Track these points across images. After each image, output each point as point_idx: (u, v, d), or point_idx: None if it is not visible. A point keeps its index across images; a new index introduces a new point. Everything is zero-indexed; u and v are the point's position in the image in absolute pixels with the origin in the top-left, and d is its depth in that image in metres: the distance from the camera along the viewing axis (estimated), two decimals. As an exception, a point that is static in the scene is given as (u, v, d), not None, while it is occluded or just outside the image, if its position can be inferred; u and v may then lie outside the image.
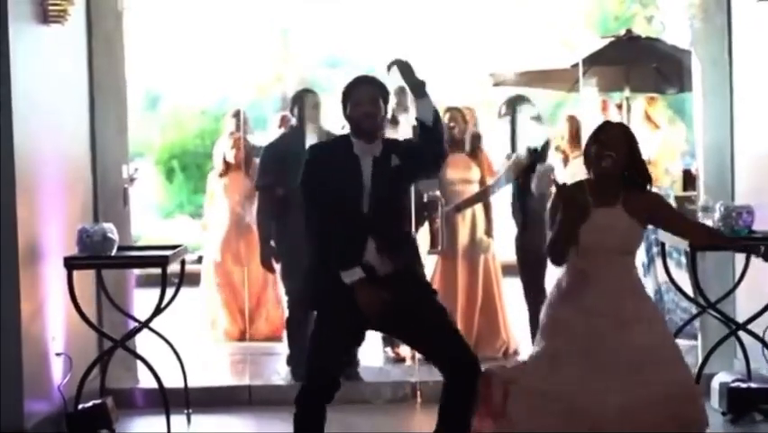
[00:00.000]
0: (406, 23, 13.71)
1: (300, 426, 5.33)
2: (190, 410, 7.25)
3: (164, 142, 17.34)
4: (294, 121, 8.22)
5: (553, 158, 8.93)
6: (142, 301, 7.60)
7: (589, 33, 15.00)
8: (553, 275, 8.65)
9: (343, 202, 5.35)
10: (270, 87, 15.68)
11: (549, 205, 5.55)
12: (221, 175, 9.86)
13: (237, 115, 10.04)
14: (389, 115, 5.96)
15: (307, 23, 14.96)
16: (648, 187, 5.40)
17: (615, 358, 5.16)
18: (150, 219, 15.18)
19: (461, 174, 8.77)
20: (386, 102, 5.54)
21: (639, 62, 10.50)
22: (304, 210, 5.49)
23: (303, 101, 8.17)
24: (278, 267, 8.22)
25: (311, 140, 7.83)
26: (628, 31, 10.87)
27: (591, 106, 10.76)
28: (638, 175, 5.37)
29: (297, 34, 15.37)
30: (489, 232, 8.96)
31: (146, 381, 7.68)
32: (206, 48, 15.76)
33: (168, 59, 14.63)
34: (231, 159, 9.74)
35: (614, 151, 5.27)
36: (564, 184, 5.39)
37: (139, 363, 7.65)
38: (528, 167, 8.52)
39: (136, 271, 8.19)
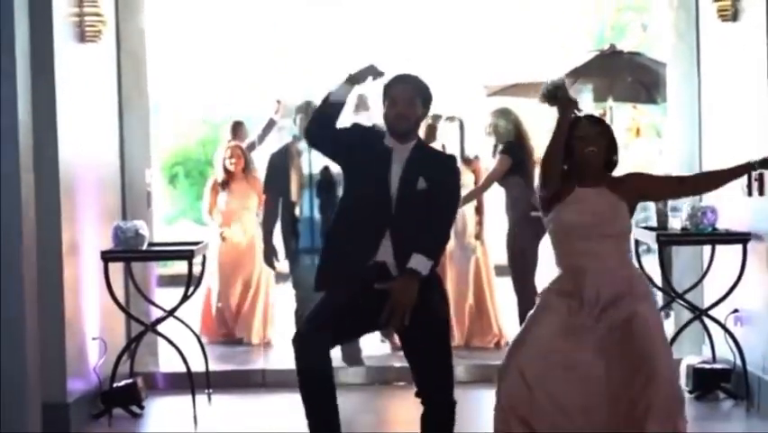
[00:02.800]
0: (405, 36, 14.35)
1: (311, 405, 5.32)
2: (211, 390, 7.98)
3: (167, 150, 17.85)
4: (296, 131, 8.95)
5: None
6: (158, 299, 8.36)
7: (585, 42, 15.44)
8: (544, 271, 9.42)
9: (371, 183, 5.28)
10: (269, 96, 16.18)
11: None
12: (222, 182, 10.05)
13: (238, 125, 10.69)
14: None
15: (306, 35, 15.46)
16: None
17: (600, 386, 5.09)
18: (154, 224, 15.75)
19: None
20: (426, 103, 5.41)
21: (621, 75, 11.13)
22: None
23: (306, 112, 8.90)
24: (278, 265, 9.00)
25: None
26: (612, 45, 11.63)
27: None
28: (614, 159, 5.34)
29: (295, 46, 15.85)
30: (479, 236, 9.64)
31: (167, 365, 8.52)
32: (207, 56, 16.35)
33: (167, 67, 15.06)
34: (231, 167, 9.97)
35: (595, 145, 5.24)
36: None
37: (160, 349, 8.51)
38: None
39: (157, 272, 8.95)
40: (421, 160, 5.36)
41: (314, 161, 9.09)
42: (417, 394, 5.43)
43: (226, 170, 10.00)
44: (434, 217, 5.30)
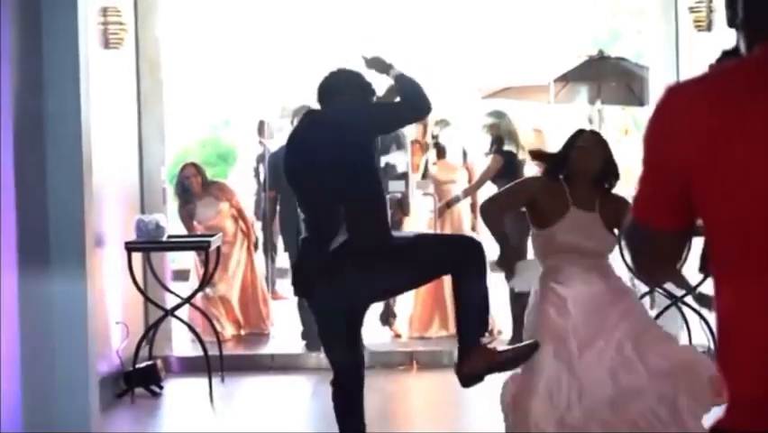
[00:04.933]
0: (402, 40, 14.80)
1: (337, 405, 5.47)
2: (223, 373, 8.55)
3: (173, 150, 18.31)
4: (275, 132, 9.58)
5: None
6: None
7: (580, 46, 15.84)
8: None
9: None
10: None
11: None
12: (186, 203, 9.94)
13: (262, 124, 11.21)
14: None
15: (304, 38, 15.90)
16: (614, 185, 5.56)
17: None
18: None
19: (450, 176, 10.15)
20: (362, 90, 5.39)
21: (608, 78, 11.66)
22: None
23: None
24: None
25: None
26: (600, 51, 12.19)
27: (567, 117, 12.10)
28: (611, 176, 5.52)
29: (293, 49, 16.26)
30: (474, 227, 10.25)
31: (180, 350, 9.14)
32: (212, 61, 16.84)
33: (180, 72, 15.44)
34: (190, 187, 9.82)
35: (592, 155, 5.44)
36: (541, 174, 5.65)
37: (174, 335, 9.12)
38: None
39: (170, 267, 9.54)
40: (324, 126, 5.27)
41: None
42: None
43: (186, 190, 9.89)
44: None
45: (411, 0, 14.01)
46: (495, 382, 8.14)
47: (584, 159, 5.46)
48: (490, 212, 5.59)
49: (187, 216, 9.92)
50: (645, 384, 5.07)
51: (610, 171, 5.54)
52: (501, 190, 5.86)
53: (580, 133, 5.63)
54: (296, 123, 9.40)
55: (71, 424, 6.03)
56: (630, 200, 2.33)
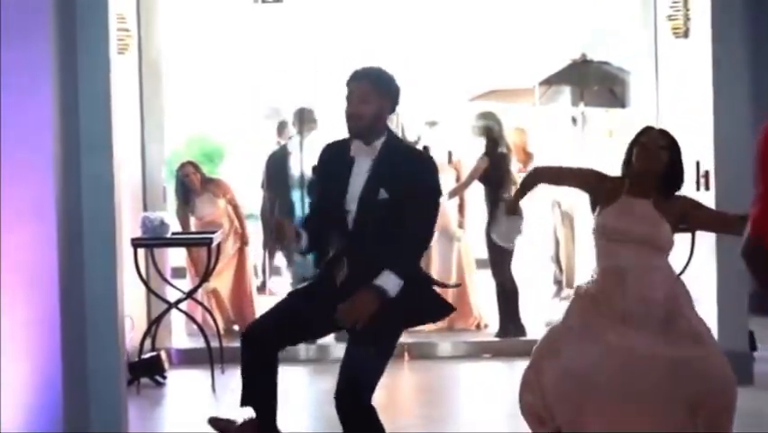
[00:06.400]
0: (392, 44, 15.09)
1: (244, 369, 5.12)
2: (223, 364, 8.90)
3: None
4: (294, 133, 9.94)
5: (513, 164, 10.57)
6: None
7: (564, 49, 16.10)
8: (520, 259, 10.40)
9: (327, 203, 5.06)
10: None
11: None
12: (186, 201, 10.26)
13: (283, 125, 11.51)
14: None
15: (298, 42, 16.16)
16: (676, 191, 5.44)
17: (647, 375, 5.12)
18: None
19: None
20: (387, 95, 4.97)
21: (590, 82, 11.82)
22: None
23: (301, 117, 9.87)
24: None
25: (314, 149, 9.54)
26: (583, 54, 12.53)
27: (552, 119, 12.47)
28: (675, 178, 5.39)
29: (289, 53, 16.53)
30: (461, 225, 10.63)
31: (179, 342, 9.54)
32: (210, 66, 17.12)
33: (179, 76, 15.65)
34: (189, 184, 10.16)
35: (655, 153, 5.30)
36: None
37: (174, 328, 9.51)
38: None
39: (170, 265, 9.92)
40: (390, 160, 4.97)
41: (305, 161, 10.16)
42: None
43: (186, 188, 10.21)
44: (405, 227, 4.91)
45: (401, 5, 14.30)
46: (488, 376, 8.62)
47: (646, 156, 5.33)
48: (539, 173, 5.71)
49: (186, 212, 10.21)
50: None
51: (675, 174, 5.39)
52: (573, 168, 5.83)
53: (647, 130, 5.50)
54: (298, 125, 9.98)
55: (104, 407, 6.42)
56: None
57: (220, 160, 19.33)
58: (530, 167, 11.42)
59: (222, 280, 10.24)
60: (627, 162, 5.45)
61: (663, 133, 5.46)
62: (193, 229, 10.03)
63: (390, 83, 5.02)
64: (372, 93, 4.92)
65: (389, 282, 4.83)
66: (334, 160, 5.04)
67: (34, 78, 5.80)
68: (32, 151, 5.81)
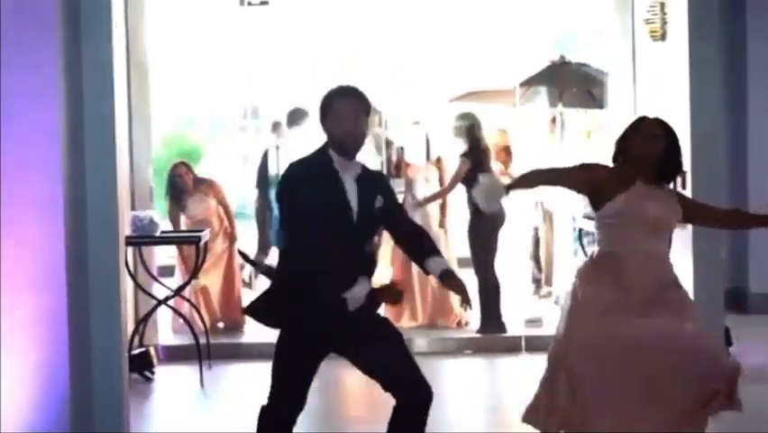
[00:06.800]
0: (374, 46, 15.25)
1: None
2: (210, 360, 9.09)
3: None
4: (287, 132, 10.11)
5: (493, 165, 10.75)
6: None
7: (540, 51, 16.26)
8: (504, 255, 10.58)
9: (329, 221, 4.84)
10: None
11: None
12: (178, 201, 10.38)
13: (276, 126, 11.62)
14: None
15: (282, 45, 16.27)
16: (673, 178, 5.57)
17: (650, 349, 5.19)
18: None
19: (422, 174, 10.74)
20: (367, 115, 5.02)
21: (569, 83, 12.00)
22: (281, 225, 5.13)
23: (290, 117, 10.02)
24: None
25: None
26: (561, 56, 12.71)
27: (531, 120, 12.66)
28: (674, 164, 5.45)
29: (275, 55, 16.64)
30: (442, 224, 10.81)
31: (165, 339, 9.73)
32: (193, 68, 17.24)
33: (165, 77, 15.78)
34: (182, 185, 10.30)
35: (653, 141, 5.35)
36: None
37: (160, 325, 9.66)
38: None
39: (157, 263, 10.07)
40: (368, 176, 5.07)
41: (281, 161, 10.33)
42: (398, 394, 5.05)
43: (179, 188, 10.35)
44: (412, 224, 5.24)
45: (383, 9, 14.46)
46: (469, 372, 8.78)
47: (644, 145, 5.38)
48: (537, 174, 5.67)
49: (177, 211, 10.31)
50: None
51: (673, 162, 5.47)
52: (563, 168, 5.86)
53: (642, 120, 5.55)
54: (293, 126, 10.13)
55: (107, 398, 6.60)
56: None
57: (198, 159, 19.46)
58: (511, 168, 11.66)
59: (210, 278, 10.37)
60: (619, 153, 5.50)
61: (660, 122, 5.53)
62: (183, 227, 10.18)
63: (370, 104, 5.08)
64: (363, 111, 4.97)
65: (444, 263, 5.08)
66: (318, 178, 4.92)
67: (42, 80, 6.02)
68: (42, 150, 6.00)
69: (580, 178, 5.51)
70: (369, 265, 5.10)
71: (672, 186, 5.76)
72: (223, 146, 17.58)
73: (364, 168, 5.09)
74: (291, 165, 5.02)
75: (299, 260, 4.91)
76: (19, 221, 5.94)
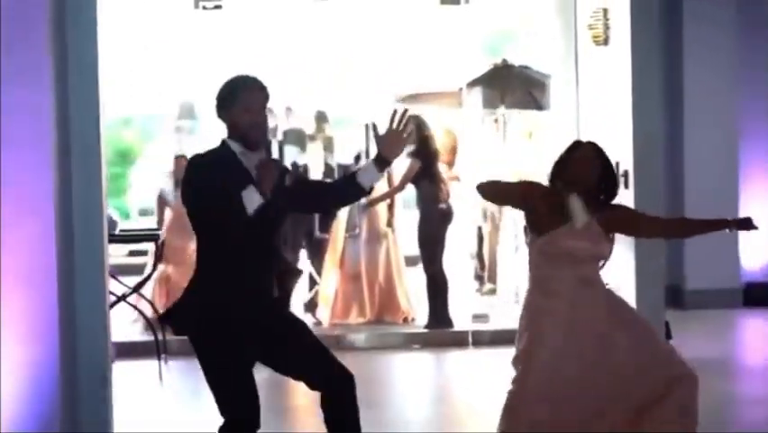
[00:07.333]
0: (320, 47, 15.42)
1: None
2: (167, 355, 9.27)
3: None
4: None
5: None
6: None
7: (480, 53, 16.49)
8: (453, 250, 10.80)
9: (242, 216, 4.63)
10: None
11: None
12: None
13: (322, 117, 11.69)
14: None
15: (224, 43, 16.37)
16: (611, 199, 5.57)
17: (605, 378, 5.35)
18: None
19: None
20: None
21: (512, 85, 12.34)
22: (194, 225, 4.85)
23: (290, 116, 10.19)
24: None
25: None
26: (504, 60, 12.99)
27: (475, 121, 12.94)
28: (610, 188, 5.54)
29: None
30: (390, 223, 11.07)
31: (118, 336, 9.84)
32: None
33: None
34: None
35: (589, 167, 5.43)
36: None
37: (112, 322, 9.79)
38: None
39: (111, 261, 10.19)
40: (274, 162, 4.92)
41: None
42: (315, 387, 4.98)
43: (176, 181, 10.19)
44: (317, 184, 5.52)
45: (332, 12, 14.64)
46: (416, 366, 8.97)
47: (581, 169, 5.45)
48: (487, 192, 5.65)
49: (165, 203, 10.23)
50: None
51: (609, 183, 5.56)
52: (502, 182, 5.85)
53: (578, 145, 5.63)
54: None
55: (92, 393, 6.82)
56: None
57: (134, 160, 19.56)
58: (455, 168, 11.94)
59: (180, 271, 10.20)
60: (556, 176, 5.56)
61: (593, 146, 5.59)
62: (167, 220, 10.18)
63: (269, 97, 4.98)
64: (267, 102, 4.89)
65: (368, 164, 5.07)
66: (224, 168, 4.78)
67: (33, 82, 6.18)
68: (33, 152, 6.15)
69: (532, 199, 5.51)
70: (278, 254, 5.04)
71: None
72: (158, 146, 17.62)
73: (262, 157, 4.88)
74: (194, 156, 4.91)
75: (217, 253, 4.79)
76: (9, 219, 6.05)
